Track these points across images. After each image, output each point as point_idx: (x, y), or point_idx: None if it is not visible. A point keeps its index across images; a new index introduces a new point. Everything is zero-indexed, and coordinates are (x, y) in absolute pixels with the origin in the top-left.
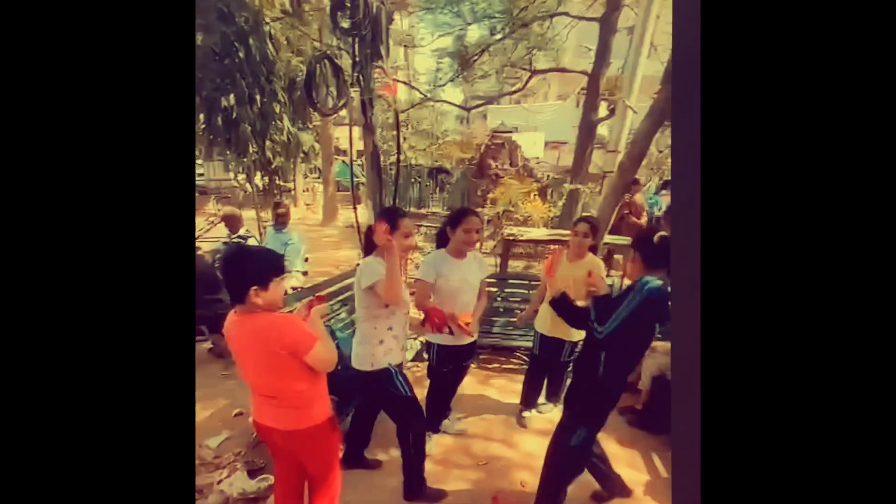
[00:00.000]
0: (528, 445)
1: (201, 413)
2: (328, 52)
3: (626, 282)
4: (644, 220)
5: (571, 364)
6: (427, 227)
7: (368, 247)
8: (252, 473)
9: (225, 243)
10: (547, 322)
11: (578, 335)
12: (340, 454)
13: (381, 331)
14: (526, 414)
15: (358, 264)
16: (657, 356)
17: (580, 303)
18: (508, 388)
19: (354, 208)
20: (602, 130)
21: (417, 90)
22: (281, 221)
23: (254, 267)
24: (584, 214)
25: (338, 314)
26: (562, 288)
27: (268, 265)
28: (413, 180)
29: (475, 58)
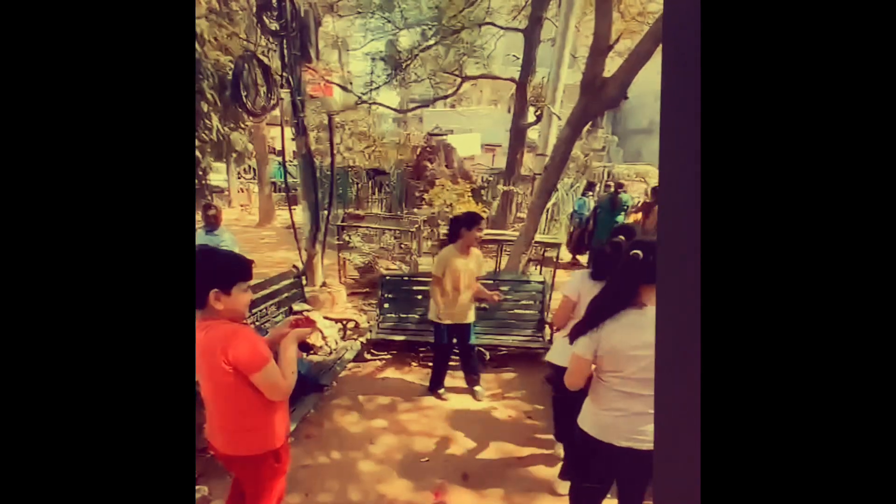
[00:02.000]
0: (469, 439)
1: None
2: (256, 51)
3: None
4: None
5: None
6: (366, 227)
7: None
8: None
9: None
10: (445, 312)
11: (472, 317)
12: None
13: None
14: (440, 391)
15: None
16: None
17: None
18: (448, 385)
19: (290, 209)
20: (532, 134)
21: (352, 92)
22: (211, 223)
23: (217, 269)
24: (467, 211)
25: (274, 317)
26: (452, 278)
27: (232, 269)
28: (351, 181)
29: (407, 62)
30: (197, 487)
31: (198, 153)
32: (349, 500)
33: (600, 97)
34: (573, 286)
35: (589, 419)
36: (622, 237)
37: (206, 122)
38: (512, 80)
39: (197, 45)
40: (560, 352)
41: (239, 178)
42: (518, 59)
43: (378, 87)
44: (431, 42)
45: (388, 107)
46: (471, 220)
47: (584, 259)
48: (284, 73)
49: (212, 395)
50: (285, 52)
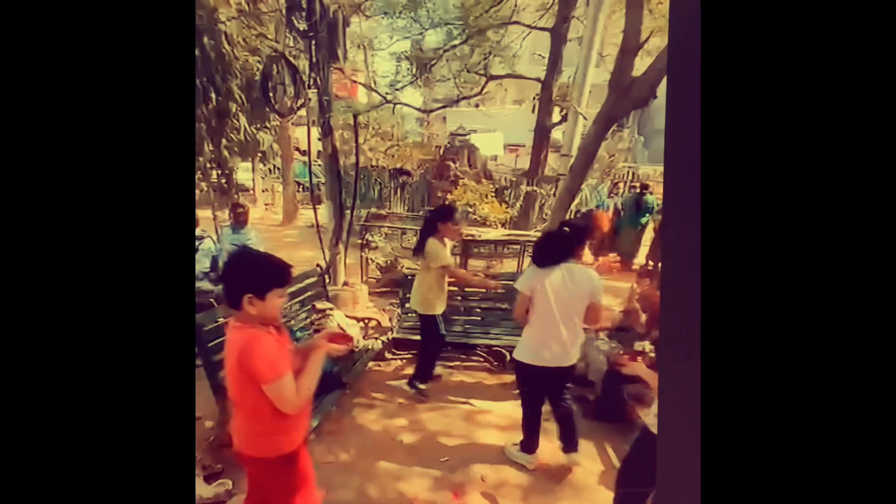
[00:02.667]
0: (489, 439)
1: None
2: (285, 52)
3: None
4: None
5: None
6: (389, 227)
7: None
8: (209, 479)
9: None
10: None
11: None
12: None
13: None
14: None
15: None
16: (601, 347)
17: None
18: (468, 385)
19: (314, 209)
20: (556, 135)
21: (377, 92)
22: (240, 221)
23: (253, 274)
24: (440, 206)
25: (298, 314)
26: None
27: (270, 275)
28: (374, 181)
29: (433, 62)
30: (221, 481)
31: (225, 152)
32: (369, 497)
33: (629, 96)
34: (525, 282)
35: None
36: (567, 229)
37: (234, 122)
38: (538, 79)
39: (227, 46)
40: (526, 348)
41: (264, 177)
42: (544, 58)
43: (403, 87)
44: (457, 41)
45: (412, 106)
46: (446, 213)
47: (609, 259)
48: (312, 74)
49: (232, 394)
50: (313, 52)
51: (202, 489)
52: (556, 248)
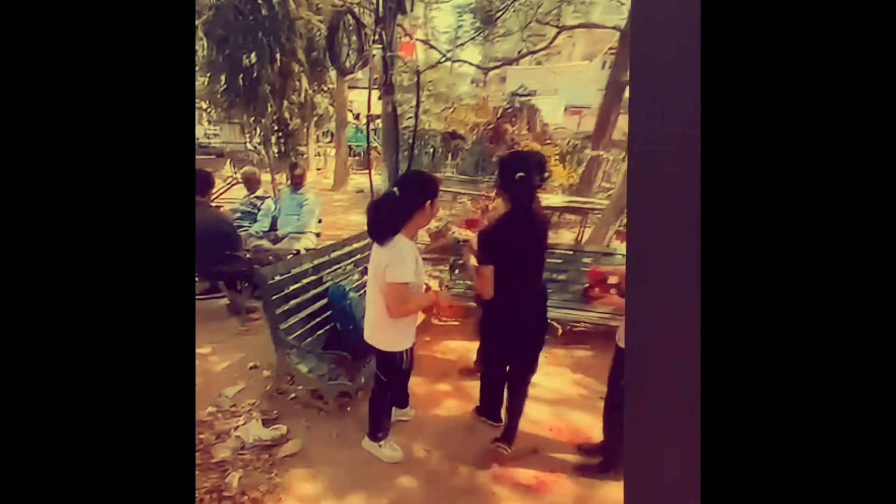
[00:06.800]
0: (535, 412)
1: (219, 364)
2: (351, 7)
3: None
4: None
5: None
6: (442, 192)
7: None
8: (266, 423)
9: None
10: None
11: None
12: None
13: None
14: None
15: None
16: None
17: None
18: None
19: (369, 172)
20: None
21: (436, 49)
22: (297, 182)
23: None
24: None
25: (351, 275)
26: None
27: None
28: (428, 144)
29: (499, 13)
30: (276, 426)
31: (286, 114)
32: (412, 454)
33: None
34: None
35: None
36: (395, 190)
37: (296, 83)
38: (616, 28)
39: (292, 4)
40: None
41: (317, 141)
42: (623, 4)
43: (464, 43)
44: None
45: (472, 64)
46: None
47: None
48: (378, 28)
49: None
50: (379, 4)
51: (261, 432)
52: (384, 218)
